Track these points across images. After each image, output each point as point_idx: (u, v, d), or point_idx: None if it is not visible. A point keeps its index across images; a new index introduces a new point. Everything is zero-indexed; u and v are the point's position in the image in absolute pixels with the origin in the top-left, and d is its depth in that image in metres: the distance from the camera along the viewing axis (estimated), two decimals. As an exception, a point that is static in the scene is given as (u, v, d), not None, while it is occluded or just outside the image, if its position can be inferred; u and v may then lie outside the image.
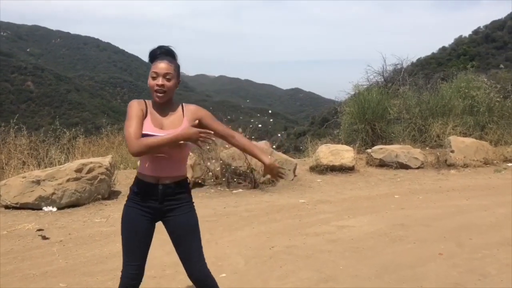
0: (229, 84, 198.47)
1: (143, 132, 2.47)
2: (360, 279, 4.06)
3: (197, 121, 2.62)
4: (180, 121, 2.57)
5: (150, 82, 2.54)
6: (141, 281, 2.63)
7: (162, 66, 2.53)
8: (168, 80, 2.53)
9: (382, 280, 4.05)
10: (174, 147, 2.50)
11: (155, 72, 2.52)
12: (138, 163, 2.70)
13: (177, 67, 2.61)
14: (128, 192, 2.68)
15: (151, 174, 2.55)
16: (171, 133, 2.45)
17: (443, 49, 72.60)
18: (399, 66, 14.88)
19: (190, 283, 3.92)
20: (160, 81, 2.51)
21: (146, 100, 2.61)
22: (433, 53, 70.52)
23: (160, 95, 2.53)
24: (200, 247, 2.68)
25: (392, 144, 10.74)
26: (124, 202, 2.67)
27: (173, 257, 4.35)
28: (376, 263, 4.45)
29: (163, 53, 2.59)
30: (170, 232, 2.67)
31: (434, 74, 15.57)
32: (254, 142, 2.67)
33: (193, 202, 2.73)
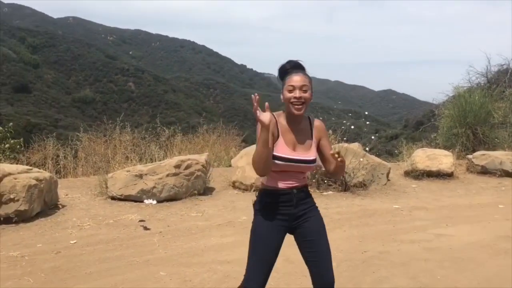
0: (319, 85, 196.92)
1: (278, 154, 2.55)
2: (460, 291, 3.84)
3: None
4: (310, 144, 2.65)
5: (286, 95, 2.58)
6: None
7: (297, 78, 2.57)
8: (305, 91, 2.57)
9: (486, 294, 3.80)
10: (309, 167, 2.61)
11: (292, 86, 2.56)
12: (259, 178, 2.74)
13: (311, 80, 2.64)
14: (255, 205, 2.69)
15: (283, 187, 2.61)
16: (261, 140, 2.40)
17: (557, 47, 65.93)
18: (505, 67, 13.88)
19: (281, 280, 3.97)
20: (297, 93, 2.55)
21: (275, 114, 2.63)
22: (545, 52, 64.40)
23: (299, 107, 2.57)
24: (330, 253, 2.68)
25: (495, 150, 10.02)
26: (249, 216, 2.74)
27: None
28: (478, 275, 4.18)
29: (293, 67, 2.65)
30: (304, 237, 2.68)
31: (546, 75, 14.24)
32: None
33: (316, 205, 2.77)
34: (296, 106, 2.56)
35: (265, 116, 2.36)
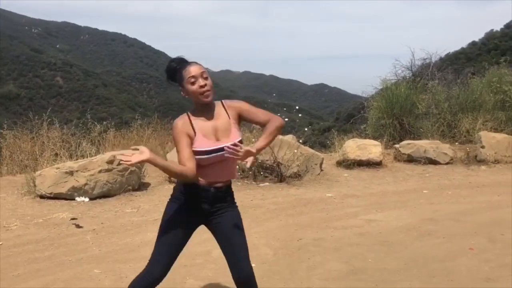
0: (254, 80, 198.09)
1: (200, 149, 2.50)
2: (389, 272, 4.06)
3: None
4: (229, 125, 2.59)
5: (190, 88, 2.52)
6: (161, 281, 2.62)
7: (195, 68, 2.54)
8: (206, 78, 2.53)
9: (411, 273, 4.04)
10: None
11: (193, 76, 2.51)
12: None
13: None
14: (173, 192, 2.68)
15: (206, 179, 2.57)
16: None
17: (473, 43, 70.60)
18: (427, 61, 14.60)
19: (220, 271, 4.00)
20: (201, 82, 2.51)
21: (188, 113, 2.60)
22: (462, 48, 68.59)
23: (207, 93, 2.53)
24: (247, 246, 2.65)
25: (420, 139, 10.59)
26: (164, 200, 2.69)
27: (204, 247, 4.44)
28: (405, 256, 4.44)
29: (180, 62, 2.61)
30: (217, 232, 2.66)
31: (464, 69, 15.24)
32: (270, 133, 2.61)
33: (236, 202, 2.74)
34: (206, 94, 2.52)
35: (142, 154, 2.33)
